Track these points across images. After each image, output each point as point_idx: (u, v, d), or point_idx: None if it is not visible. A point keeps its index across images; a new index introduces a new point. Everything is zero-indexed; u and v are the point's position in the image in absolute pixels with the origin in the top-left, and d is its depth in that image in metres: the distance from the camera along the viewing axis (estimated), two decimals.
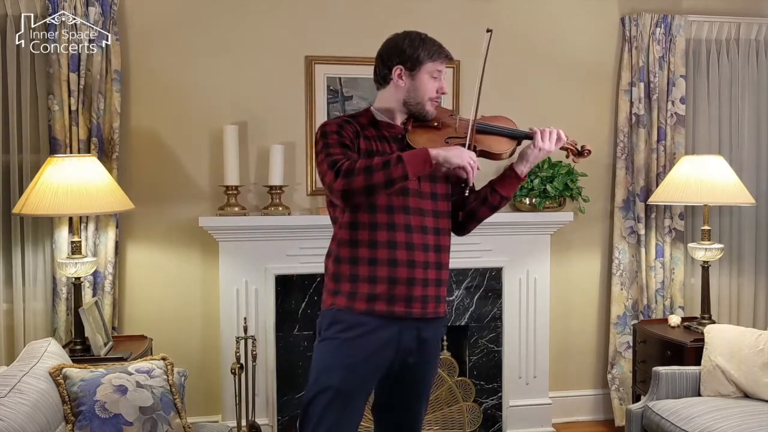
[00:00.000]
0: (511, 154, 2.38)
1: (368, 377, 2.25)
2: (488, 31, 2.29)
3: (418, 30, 2.34)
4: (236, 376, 3.46)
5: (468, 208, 2.42)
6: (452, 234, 2.41)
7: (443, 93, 2.32)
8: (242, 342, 3.52)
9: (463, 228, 2.47)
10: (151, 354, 3.40)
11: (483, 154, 2.33)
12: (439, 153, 2.12)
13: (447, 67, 3.89)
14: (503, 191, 2.37)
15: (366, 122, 2.30)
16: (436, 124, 2.32)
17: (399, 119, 2.33)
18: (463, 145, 2.25)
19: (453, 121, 2.35)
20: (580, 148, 2.38)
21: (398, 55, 2.27)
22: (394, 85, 2.29)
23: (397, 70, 2.27)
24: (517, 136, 2.35)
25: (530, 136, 2.33)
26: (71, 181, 3.07)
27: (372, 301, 2.20)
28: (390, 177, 2.06)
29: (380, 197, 2.17)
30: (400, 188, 2.15)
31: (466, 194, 2.25)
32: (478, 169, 2.16)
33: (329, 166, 2.11)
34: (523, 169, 2.34)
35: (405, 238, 2.21)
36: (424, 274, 2.24)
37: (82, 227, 3.48)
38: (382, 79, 2.33)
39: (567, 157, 2.43)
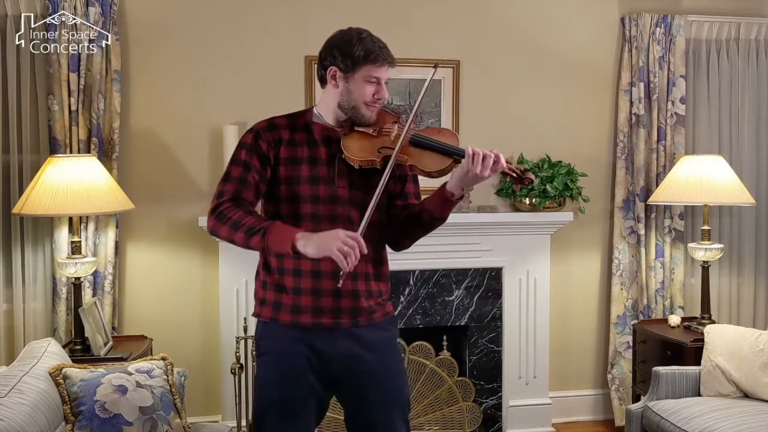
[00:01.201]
0: (446, 173, 2.14)
1: (310, 384, 2.15)
2: (435, 66, 2.19)
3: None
4: (236, 376, 3.46)
5: (400, 224, 2.23)
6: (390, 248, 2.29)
7: (380, 98, 2.14)
8: (242, 342, 3.52)
9: (397, 243, 2.28)
10: (151, 354, 3.40)
11: (414, 169, 2.17)
12: (305, 243, 1.93)
13: (445, 66, 3.91)
14: (435, 211, 2.15)
15: (301, 124, 2.18)
16: (373, 131, 2.17)
17: (337, 121, 2.19)
18: (388, 158, 2.08)
19: (392, 129, 2.17)
20: (521, 174, 2.14)
21: (333, 55, 2.12)
22: (330, 87, 2.16)
23: (331, 71, 2.13)
24: (453, 154, 2.11)
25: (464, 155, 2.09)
26: (71, 181, 3.07)
27: (297, 313, 2.13)
28: (248, 243, 2.02)
29: (304, 204, 2.12)
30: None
31: (339, 284, 2.01)
32: (360, 250, 1.92)
33: (217, 195, 2.11)
34: (453, 190, 2.10)
35: None
36: (352, 286, 2.12)
37: (82, 227, 3.48)
38: (320, 79, 2.19)
39: (507, 181, 2.23)
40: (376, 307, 2.21)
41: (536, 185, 3.82)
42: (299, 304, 2.13)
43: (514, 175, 2.14)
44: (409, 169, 2.22)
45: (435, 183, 2.24)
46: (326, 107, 2.20)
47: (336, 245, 1.90)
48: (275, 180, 2.15)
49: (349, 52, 2.10)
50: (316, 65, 2.22)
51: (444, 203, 2.14)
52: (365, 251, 1.95)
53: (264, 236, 1.97)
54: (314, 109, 2.24)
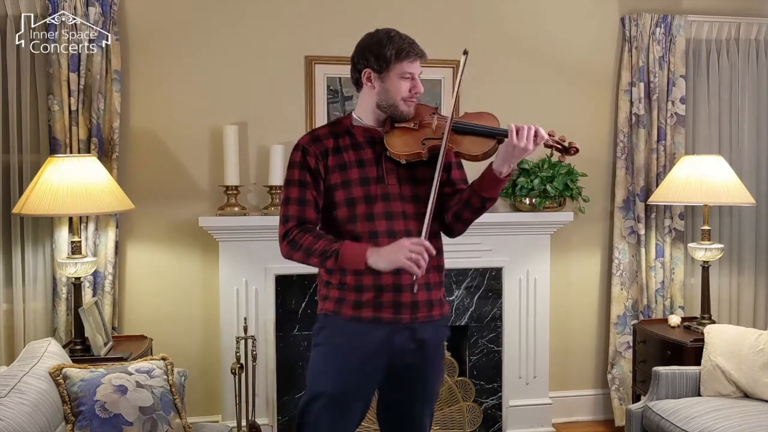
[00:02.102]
0: (490, 155, 2.22)
1: (362, 382, 2.23)
2: (465, 53, 2.22)
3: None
4: (236, 376, 3.46)
5: (451, 210, 2.30)
6: (445, 235, 2.37)
7: (417, 93, 2.22)
8: (242, 342, 3.52)
9: (451, 230, 2.36)
10: (151, 354, 3.40)
11: (460, 156, 2.26)
12: (376, 259, 2.08)
13: (437, 66, 3.91)
14: (484, 192, 2.22)
15: (342, 131, 2.26)
16: (413, 125, 2.25)
17: (377, 122, 2.27)
18: (438, 148, 2.16)
19: (432, 120, 2.25)
20: (567, 145, 2.20)
21: (366, 57, 2.20)
22: (366, 89, 2.24)
23: (366, 74, 2.21)
24: (495, 135, 2.20)
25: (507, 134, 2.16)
26: (71, 181, 3.08)
27: (358, 308, 2.20)
28: (323, 266, 2.18)
29: (359, 205, 2.19)
30: None
31: (414, 291, 2.14)
32: (428, 252, 2.05)
33: (283, 220, 2.21)
34: (500, 169, 2.16)
35: (389, 243, 2.14)
36: (411, 280, 2.16)
37: (82, 227, 3.48)
38: (355, 82, 2.28)
39: (551, 155, 2.30)
40: (436, 303, 2.28)
41: (536, 185, 3.82)
42: (361, 299, 2.19)
43: (559, 146, 2.21)
44: (455, 156, 2.28)
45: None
46: (365, 109, 2.28)
47: (404, 255, 2.03)
48: (329, 188, 2.22)
49: (381, 52, 2.18)
50: (350, 70, 2.28)
51: (493, 183, 2.20)
52: (433, 252, 2.08)
53: (337, 259, 2.11)
54: (353, 113, 2.31)
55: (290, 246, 2.17)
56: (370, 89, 2.23)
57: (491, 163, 2.20)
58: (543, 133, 2.15)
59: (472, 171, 2.37)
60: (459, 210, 2.28)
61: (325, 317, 2.26)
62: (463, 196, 2.27)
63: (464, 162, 2.34)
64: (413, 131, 2.23)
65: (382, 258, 2.07)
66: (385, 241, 2.16)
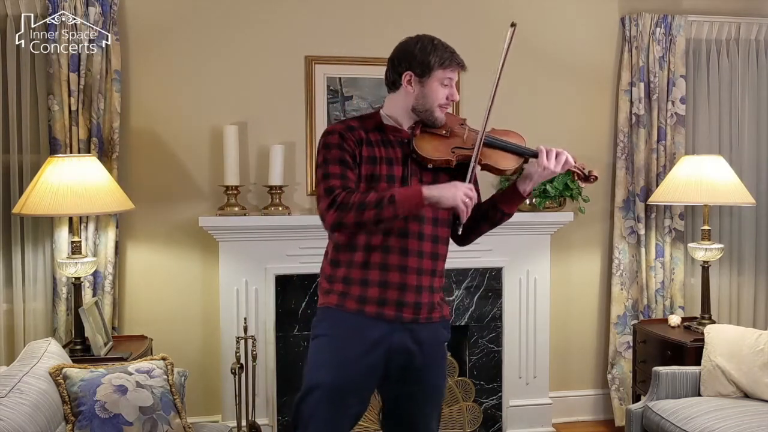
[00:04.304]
0: (516, 171, 2.33)
1: (360, 376, 2.23)
2: (512, 25, 2.24)
3: (426, 33, 2.28)
4: (236, 376, 3.46)
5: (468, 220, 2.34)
6: (452, 243, 2.38)
7: (453, 100, 2.27)
8: (242, 342, 3.52)
9: (464, 239, 2.40)
10: (151, 354, 3.40)
11: (487, 168, 2.30)
12: (432, 194, 2.09)
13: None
14: (505, 208, 2.32)
15: (372, 126, 2.28)
16: (444, 132, 2.28)
17: (407, 124, 2.29)
18: (469, 158, 2.22)
19: (462, 130, 2.31)
20: (587, 173, 2.32)
21: (408, 60, 2.23)
22: (404, 91, 2.26)
23: (406, 76, 2.24)
24: (524, 154, 2.30)
25: (537, 155, 2.27)
26: (71, 181, 3.07)
27: (362, 303, 2.21)
28: (380, 216, 2.09)
29: None
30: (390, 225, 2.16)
31: (459, 232, 2.24)
32: (475, 201, 2.13)
33: (325, 192, 2.14)
34: (525, 188, 2.28)
35: (400, 243, 2.20)
36: (417, 281, 2.22)
37: (82, 227, 3.48)
38: (391, 84, 2.30)
39: (572, 180, 2.38)
40: (437, 306, 2.31)
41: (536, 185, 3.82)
42: (366, 295, 2.21)
43: (581, 174, 2.32)
44: (482, 168, 2.33)
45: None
46: (397, 110, 2.30)
47: (460, 196, 2.09)
48: (357, 178, 2.23)
49: (425, 58, 2.22)
50: (387, 70, 2.30)
51: (515, 199, 2.31)
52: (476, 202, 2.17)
53: (393, 203, 2.08)
54: (381, 111, 2.33)
55: (340, 210, 2.10)
56: (408, 92, 2.25)
57: (515, 181, 2.32)
58: (570, 158, 2.26)
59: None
60: (475, 221, 2.33)
61: (326, 309, 2.26)
62: (482, 208, 2.34)
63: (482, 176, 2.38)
64: (444, 138, 2.27)
65: (441, 193, 2.09)
66: (396, 240, 2.20)
